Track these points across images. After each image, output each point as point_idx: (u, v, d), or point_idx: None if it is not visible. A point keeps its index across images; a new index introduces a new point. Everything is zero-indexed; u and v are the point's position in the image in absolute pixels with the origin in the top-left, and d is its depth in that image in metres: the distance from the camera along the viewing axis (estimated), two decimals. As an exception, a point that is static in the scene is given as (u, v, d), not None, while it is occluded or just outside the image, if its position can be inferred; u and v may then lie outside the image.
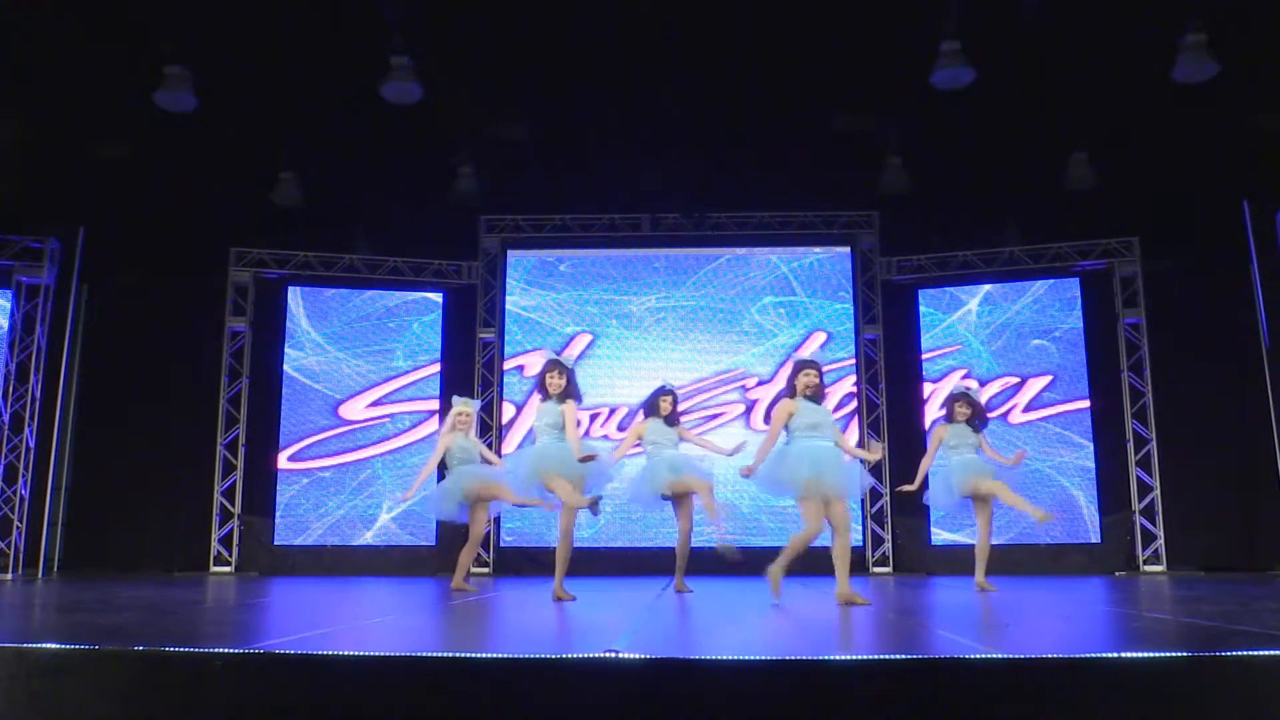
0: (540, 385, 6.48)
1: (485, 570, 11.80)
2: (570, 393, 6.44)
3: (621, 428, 11.58)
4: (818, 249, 12.48)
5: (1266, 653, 2.73)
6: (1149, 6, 9.00)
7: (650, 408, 7.62)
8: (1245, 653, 2.78)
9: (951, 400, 7.59)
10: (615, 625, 4.36)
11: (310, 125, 10.79)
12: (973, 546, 7.64)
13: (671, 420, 7.60)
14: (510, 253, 12.60)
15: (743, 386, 12.11)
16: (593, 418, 11.99)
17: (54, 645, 2.93)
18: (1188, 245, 11.20)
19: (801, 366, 6.01)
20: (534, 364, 12.28)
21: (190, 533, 11.73)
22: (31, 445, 10.99)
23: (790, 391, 6.02)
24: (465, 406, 7.81)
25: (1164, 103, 9.91)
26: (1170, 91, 9.47)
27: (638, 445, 7.67)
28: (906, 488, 7.66)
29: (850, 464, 6.07)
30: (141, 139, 10.80)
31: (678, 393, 7.83)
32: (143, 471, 11.58)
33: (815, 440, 5.86)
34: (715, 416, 12.02)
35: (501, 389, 12.24)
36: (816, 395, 5.99)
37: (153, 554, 11.61)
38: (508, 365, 12.34)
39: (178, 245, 11.88)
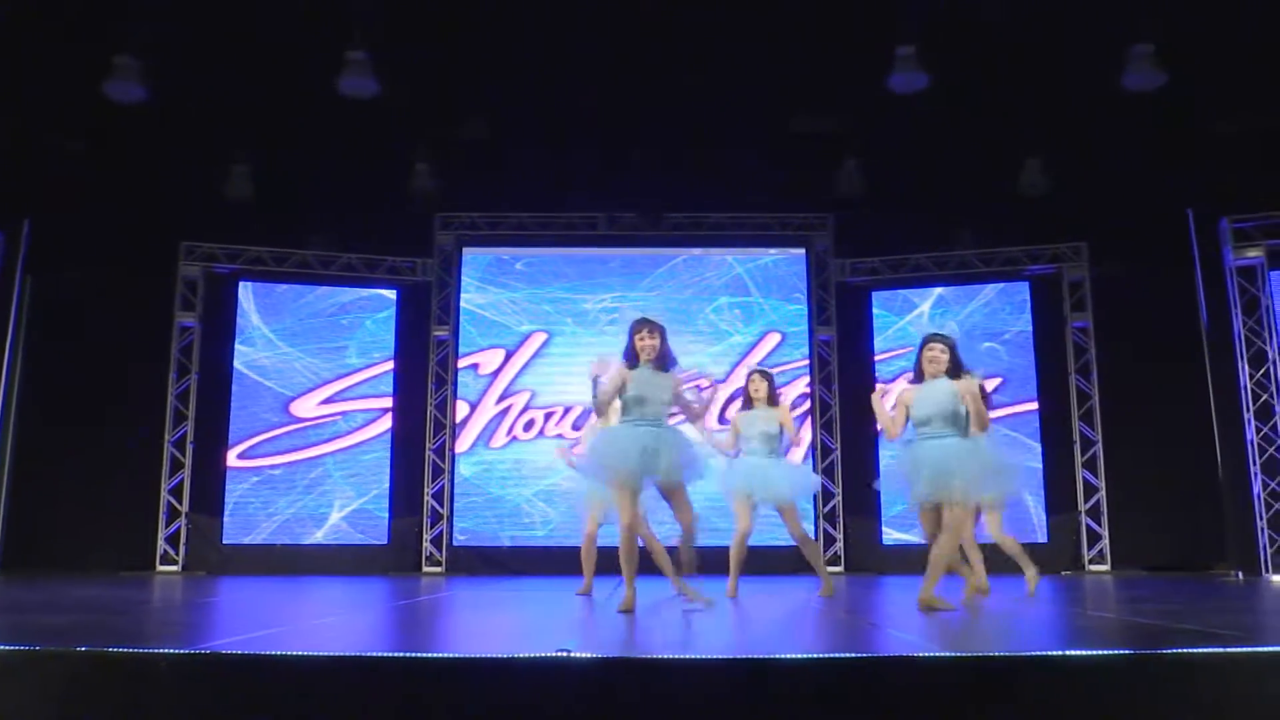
0: (630, 350, 5.27)
1: (438, 570, 11.73)
2: (671, 358, 5.31)
3: (576, 427, 11.41)
4: (773, 250, 12.55)
5: (1207, 650, 2.79)
6: (1100, 16, 9.16)
7: (747, 398, 6.54)
8: (1186, 650, 2.83)
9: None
10: (568, 624, 4.35)
11: (264, 118, 10.65)
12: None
13: (773, 401, 6.53)
14: (465, 250, 12.52)
15: (698, 387, 12.10)
16: (547, 416, 11.94)
17: (-6, 646, 2.87)
18: (1135, 251, 11.39)
19: (925, 341, 5.21)
20: (487, 362, 12.22)
21: (136, 531, 11.51)
22: (-28, 441, 10.74)
23: (917, 375, 5.22)
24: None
25: (1114, 110, 10.09)
26: (1120, 99, 9.64)
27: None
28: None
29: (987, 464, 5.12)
30: (89, 130, 10.58)
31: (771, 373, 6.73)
32: (88, 469, 11.33)
33: (933, 439, 5.04)
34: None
35: (455, 387, 12.16)
36: (951, 372, 5.13)
37: (98, 553, 11.36)
38: (462, 363, 12.26)
39: (126, 238, 11.63)
